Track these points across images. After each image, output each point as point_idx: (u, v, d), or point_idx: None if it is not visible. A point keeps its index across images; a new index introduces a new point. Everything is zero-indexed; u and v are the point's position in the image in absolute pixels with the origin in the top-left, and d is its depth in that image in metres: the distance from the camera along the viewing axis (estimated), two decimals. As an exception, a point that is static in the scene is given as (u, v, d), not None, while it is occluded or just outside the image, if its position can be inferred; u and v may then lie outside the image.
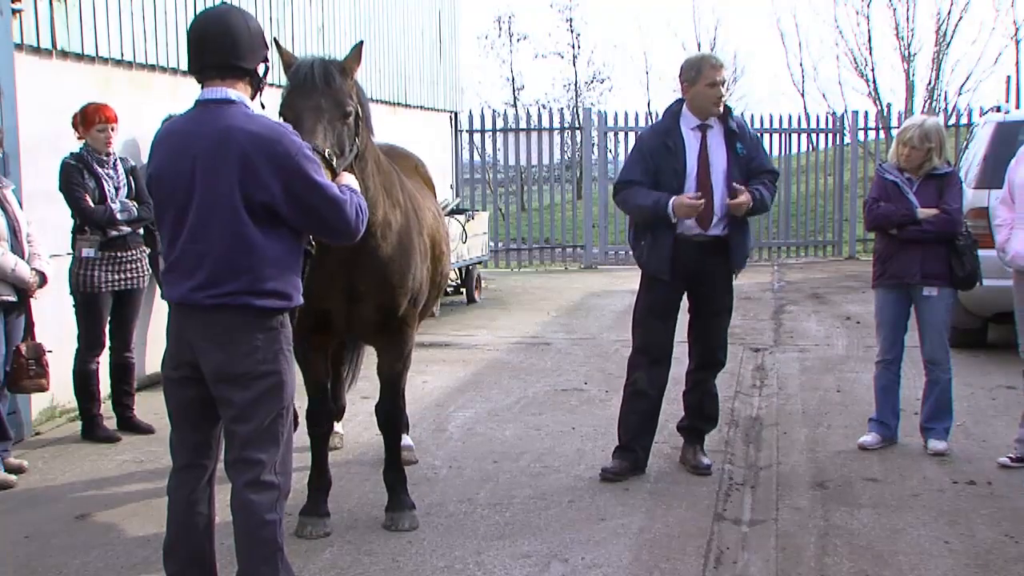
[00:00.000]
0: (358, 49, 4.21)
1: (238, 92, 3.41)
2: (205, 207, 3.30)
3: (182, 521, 3.52)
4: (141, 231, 6.41)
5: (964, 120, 16.50)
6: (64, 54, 6.87)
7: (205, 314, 3.34)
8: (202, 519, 3.54)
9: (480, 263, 12.82)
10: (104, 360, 6.40)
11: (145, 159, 6.68)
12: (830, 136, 17.43)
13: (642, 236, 5.47)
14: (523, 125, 16.44)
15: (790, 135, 17.08)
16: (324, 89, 3.99)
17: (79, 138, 6.22)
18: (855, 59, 26.73)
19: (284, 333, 3.43)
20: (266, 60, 3.51)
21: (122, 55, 7.41)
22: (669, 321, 5.52)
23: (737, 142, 5.43)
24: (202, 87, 3.45)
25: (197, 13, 3.58)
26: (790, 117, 17.15)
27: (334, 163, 3.82)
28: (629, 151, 5.75)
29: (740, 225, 5.46)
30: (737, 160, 5.41)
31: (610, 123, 16.54)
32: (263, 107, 3.55)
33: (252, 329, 3.34)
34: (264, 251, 3.32)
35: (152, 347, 7.36)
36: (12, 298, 5.46)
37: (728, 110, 5.48)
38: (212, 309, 3.33)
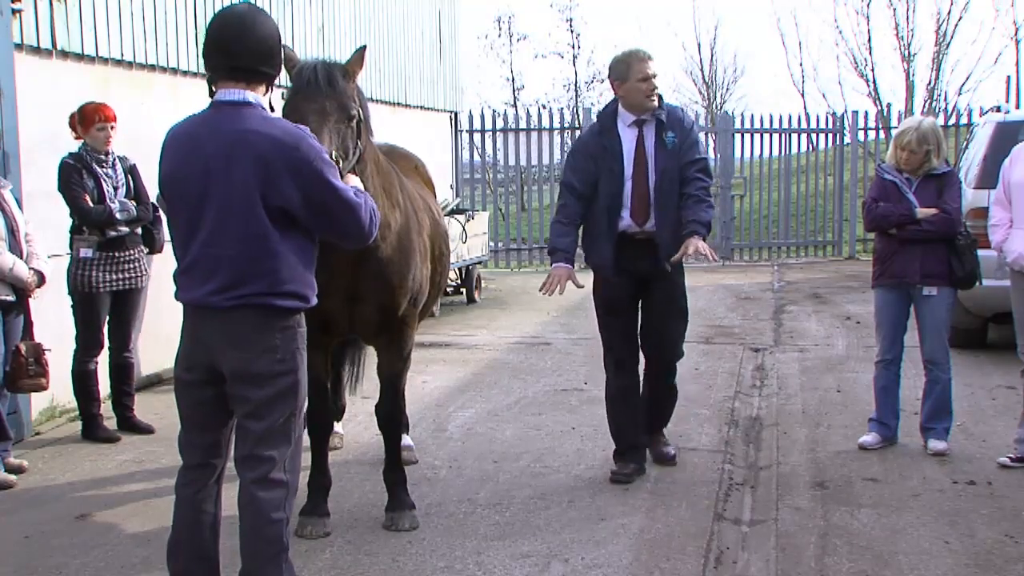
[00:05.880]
0: (361, 53, 4.21)
1: (256, 94, 3.38)
2: (221, 210, 3.27)
3: (188, 519, 3.52)
4: (139, 231, 6.40)
5: (964, 120, 16.49)
6: (64, 54, 6.87)
7: (224, 315, 3.32)
8: (208, 517, 3.54)
9: (480, 263, 12.81)
10: (104, 360, 6.41)
11: (143, 159, 6.69)
12: (830, 136, 17.41)
13: (589, 231, 5.41)
14: (523, 125, 16.42)
15: (790, 135, 17.07)
16: (328, 92, 3.98)
17: (77, 138, 6.21)
18: (855, 59, 26.84)
19: (300, 332, 3.43)
20: (280, 62, 3.49)
21: (122, 55, 7.41)
22: (624, 316, 5.47)
23: (668, 132, 5.24)
24: (216, 87, 3.39)
25: (214, 12, 3.55)
26: (790, 117, 17.15)
27: (340, 166, 3.82)
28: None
29: (670, 220, 5.22)
30: (667, 153, 5.23)
31: (610, 123, 16.51)
32: (272, 108, 3.54)
33: (271, 329, 3.33)
34: (282, 253, 3.31)
35: (152, 347, 7.36)
36: (11, 298, 5.46)
37: (660, 100, 5.28)
38: (231, 310, 3.31)
